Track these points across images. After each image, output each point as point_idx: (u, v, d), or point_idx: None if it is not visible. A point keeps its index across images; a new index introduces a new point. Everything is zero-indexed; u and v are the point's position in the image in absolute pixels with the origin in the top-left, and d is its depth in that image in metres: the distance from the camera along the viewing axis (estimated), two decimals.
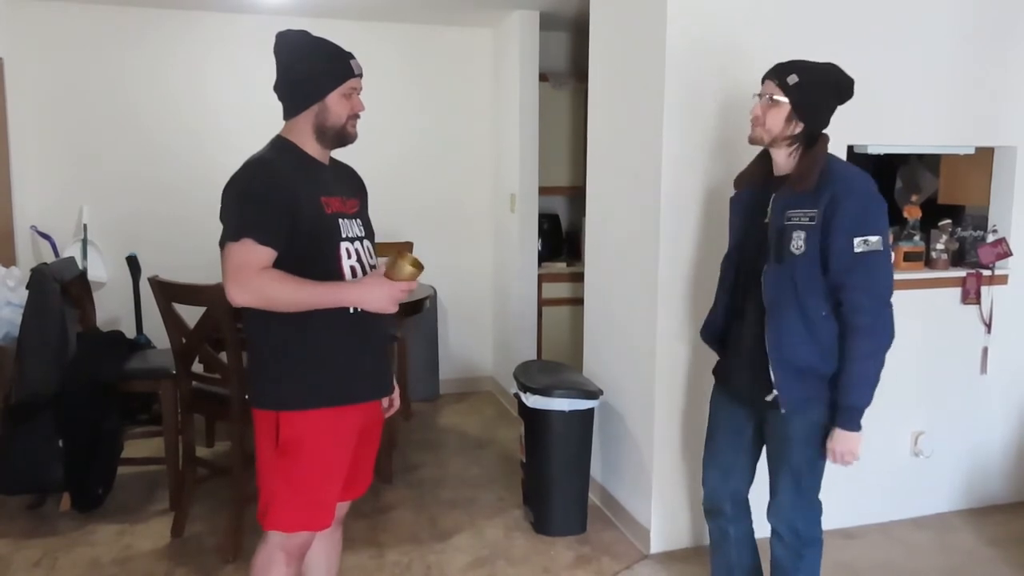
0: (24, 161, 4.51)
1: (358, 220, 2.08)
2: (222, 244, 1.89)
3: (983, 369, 3.47)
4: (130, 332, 4.41)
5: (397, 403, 2.27)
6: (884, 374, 3.23)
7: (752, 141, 2.24)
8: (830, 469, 3.31)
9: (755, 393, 2.24)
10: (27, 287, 3.37)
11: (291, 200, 1.89)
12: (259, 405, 2.01)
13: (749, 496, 2.46)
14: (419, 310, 3.94)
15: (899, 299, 3.25)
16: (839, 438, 2.15)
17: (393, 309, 1.95)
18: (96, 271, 4.57)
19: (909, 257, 3.37)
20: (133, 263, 4.58)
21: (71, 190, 4.61)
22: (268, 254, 1.86)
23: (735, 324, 2.34)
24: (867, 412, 3.25)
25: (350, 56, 2.00)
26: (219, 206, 1.93)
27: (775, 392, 2.17)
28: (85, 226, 4.58)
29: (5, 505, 3.48)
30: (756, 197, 2.28)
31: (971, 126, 3.34)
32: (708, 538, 2.59)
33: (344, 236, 1.99)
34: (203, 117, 4.72)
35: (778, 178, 2.23)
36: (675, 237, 3.01)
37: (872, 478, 3.36)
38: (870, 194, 2.11)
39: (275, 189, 1.88)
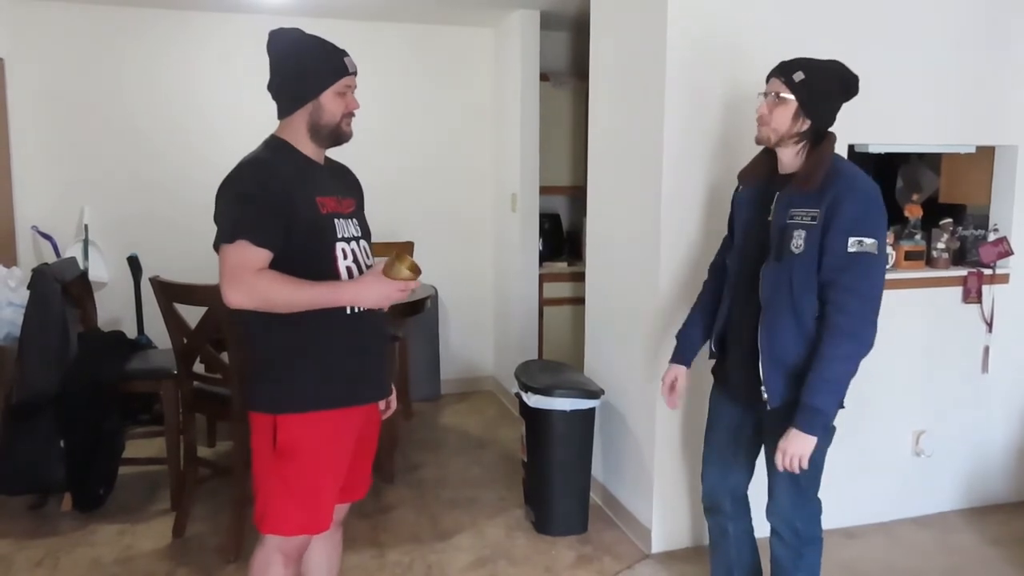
0: (25, 161, 4.51)
1: (354, 220, 2.06)
2: (217, 246, 1.87)
3: (984, 368, 3.47)
4: (131, 332, 4.42)
5: (394, 405, 2.26)
6: (886, 373, 3.27)
7: (759, 141, 2.23)
8: (832, 468, 3.32)
9: (751, 391, 2.24)
10: (28, 287, 3.38)
11: (286, 200, 1.88)
12: (256, 408, 1.99)
13: (748, 495, 2.46)
14: (420, 310, 3.94)
15: (900, 298, 3.29)
16: (792, 438, 2.08)
17: (387, 304, 1.94)
18: (97, 271, 4.57)
19: (910, 256, 3.36)
20: (134, 263, 4.58)
21: (72, 190, 4.61)
22: (264, 255, 1.84)
23: (732, 322, 2.33)
24: (867, 411, 3.29)
25: (344, 54, 1.99)
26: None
27: (763, 389, 2.17)
28: (86, 226, 4.59)
29: (7, 505, 3.49)
30: (760, 194, 2.27)
31: (972, 125, 3.34)
32: (708, 537, 2.59)
33: (340, 236, 1.98)
34: (205, 118, 4.72)
35: (782, 176, 2.22)
36: (676, 236, 3.01)
37: (873, 477, 3.36)
38: (871, 197, 2.09)
39: (270, 190, 1.87)
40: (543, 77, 4.90)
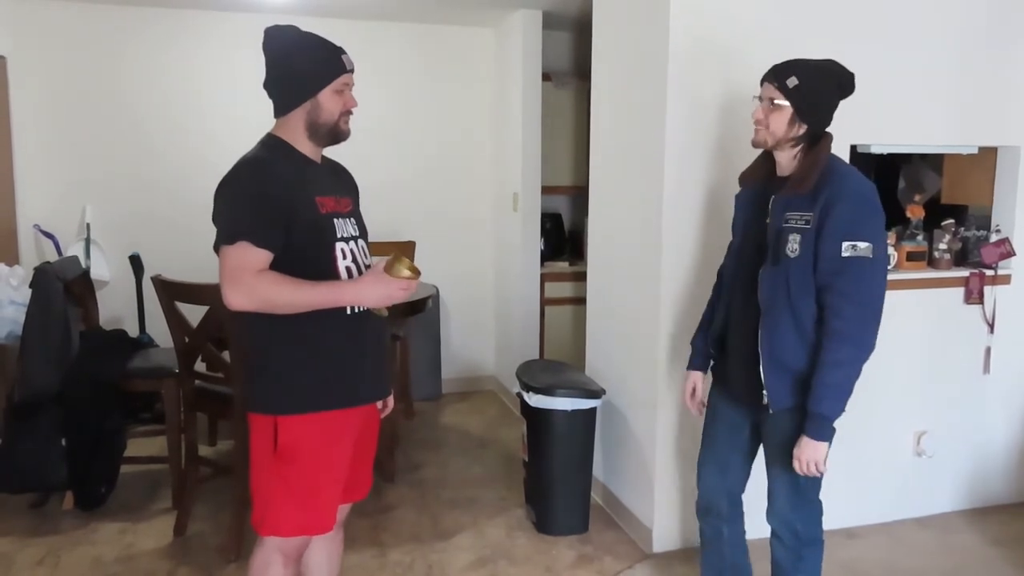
0: (27, 160, 4.52)
1: (352, 219, 2.05)
2: (217, 247, 1.86)
3: (986, 369, 3.46)
4: (133, 331, 4.42)
5: (391, 404, 2.24)
6: (887, 374, 3.27)
7: (756, 144, 2.22)
8: (833, 468, 3.30)
9: (751, 394, 2.24)
10: (30, 286, 3.38)
11: (286, 200, 1.86)
12: (256, 409, 1.98)
13: (743, 497, 2.46)
14: (421, 309, 3.94)
15: (902, 299, 3.29)
16: (805, 446, 2.09)
17: (389, 303, 1.93)
18: (99, 270, 4.57)
19: (912, 257, 3.36)
20: (136, 262, 4.58)
21: (74, 189, 4.61)
22: (264, 256, 1.83)
23: (731, 325, 2.33)
24: (869, 412, 3.29)
25: (341, 51, 1.97)
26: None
27: (764, 393, 2.17)
28: (88, 225, 4.59)
29: (8, 503, 3.49)
30: (759, 196, 2.27)
31: (974, 126, 3.33)
32: (702, 541, 2.55)
33: (339, 236, 1.97)
34: (206, 116, 4.73)
35: (781, 178, 2.22)
36: (677, 236, 3.00)
37: (875, 478, 3.36)
38: (866, 199, 2.07)
39: (269, 189, 1.85)
40: (545, 77, 4.90)
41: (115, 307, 4.63)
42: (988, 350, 3.45)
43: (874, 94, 3.15)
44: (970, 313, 3.42)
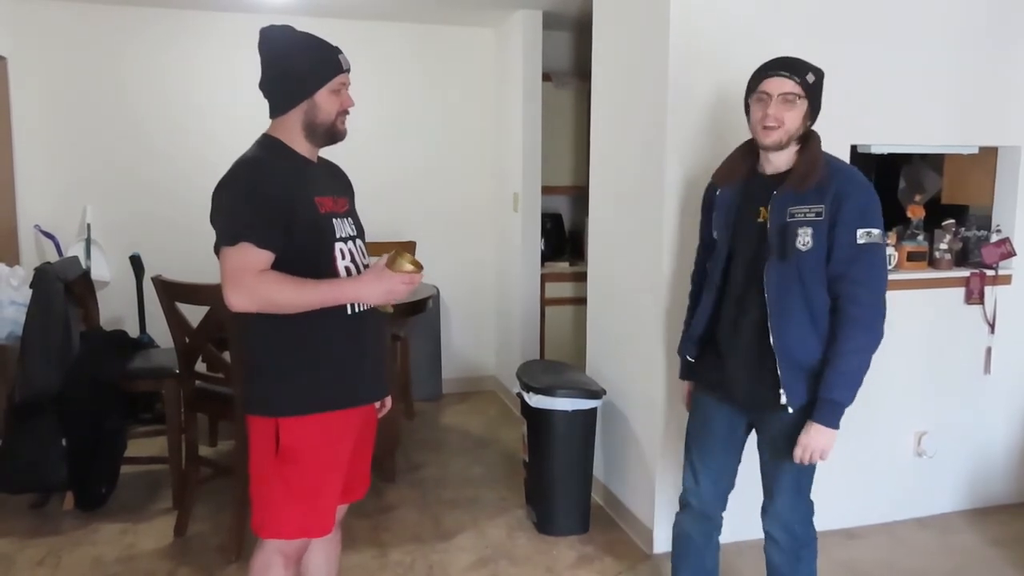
0: (28, 160, 4.52)
1: (349, 219, 2.05)
2: (217, 249, 1.85)
3: (987, 369, 3.46)
4: (133, 331, 4.42)
5: (389, 404, 2.23)
6: (888, 374, 3.27)
7: (771, 146, 2.12)
8: (834, 468, 3.31)
9: (756, 394, 2.20)
10: (31, 286, 3.38)
11: (285, 201, 1.86)
12: (256, 411, 1.97)
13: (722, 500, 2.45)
14: (422, 309, 3.94)
15: (903, 299, 3.29)
16: (815, 433, 2.09)
17: (391, 299, 1.91)
18: (99, 270, 4.58)
19: (913, 257, 3.36)
20: (136, 262, 4.58)
21: (75, 189, 4.62)
22: (266, 257, 1.83)
23: (726, 325, 2.26)
24: (869, 412, 3.29)
25: (338, 51, 1.96)
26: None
27: (782, 392, 2.12)
28: (88, 225, 4.59)
29: (9, 504, 3.49)
30: (742, 195, 2.23)
31: (975, 126, 3.33)
32: (680, 544, 2.50)
33: (338, 236, 1.97)
34: (207, 117, 4.73)
35: (767, 176, 2.19)
36: (678, 236, 3.00)
37: (875, 478, 3.36)
38: (870, 189, 2.12)
39: (269, 190, 1.84)
40: (545, 77, 4.90)
41: (116, 307, 4.63)
42: (989, 350, 3.45)
43: (874, 94, 3.16)
44: (971, 313, 3.42)
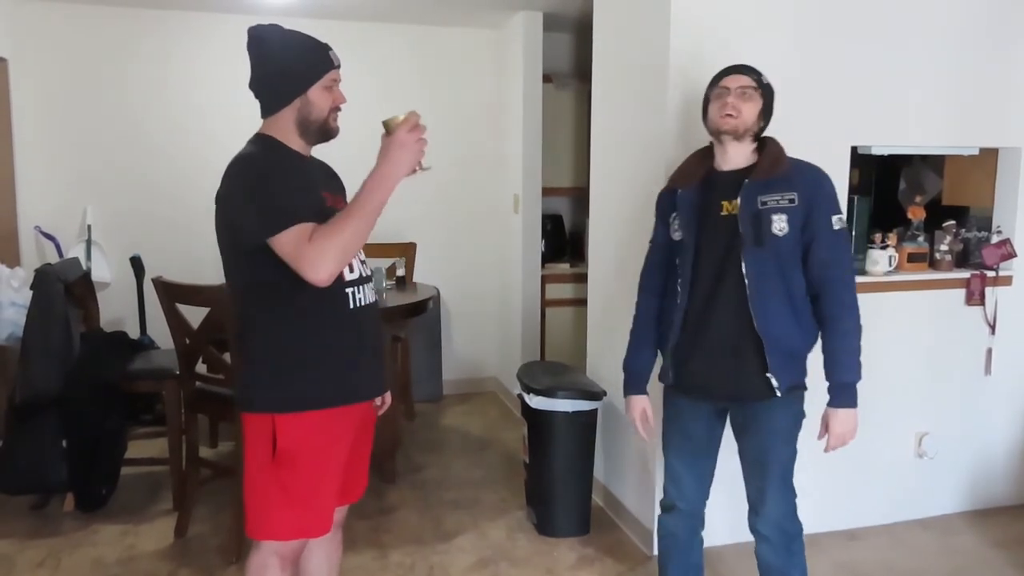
0: (28, 162, 4.53)
1: None
2: (257, 245, 1.80)
3: (987, 370, 3.46)
4: (134, 333, 4.42)
5: (388, 400, 2.22)
6: (889, 375, 3.29)
7: (727, 131, 2.21)
8: (834, 468, 3.31)
9: (741, 385, 2.21)
10: (31, 287, 3.39)
11: (297, 188, 1.86)
12: (253, 409, 1.94)
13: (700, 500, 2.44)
14: (422, 311, 3.94)
15: (903, 300, 3.30)
16: (842, 418, 2.19)
17: (421, 156, 1.86)
18: (100, 272, 4.58)
19: (913, 258, 3.36)
20: (137, 264, 4.59)
21: (75, 191, 4.62)
22: (312, 226, 1.80)
23: (697, 321, 2.24)
24: (870, 413, 3.29)
25: (328, 48, 1.96)
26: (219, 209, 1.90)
27: (771, 376, 2.15)
28: (89, 227, 4.59)
29: (9, 505, 3.49)
30: (702, 193, 2.27)
31: (975, 127, 3.33)
32: (663, 546, 2.50)
33: None
34: (207, 118, 4.73)
35: (727, 172, 2.25)
36: None
37: (876, 479, 3.36)
38: (831, 180, 2.24)
39: (282, 175, 1.85)
40: (546, 79, 4.90)
41: (116, 309, 4.63)
42: (989, 351, 3.45)
43: (874, 95, 3.16)
44: (971, 314, 3.42)
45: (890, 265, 3.28)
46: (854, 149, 3.18)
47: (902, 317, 3.31)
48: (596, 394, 3.27)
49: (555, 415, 3.22)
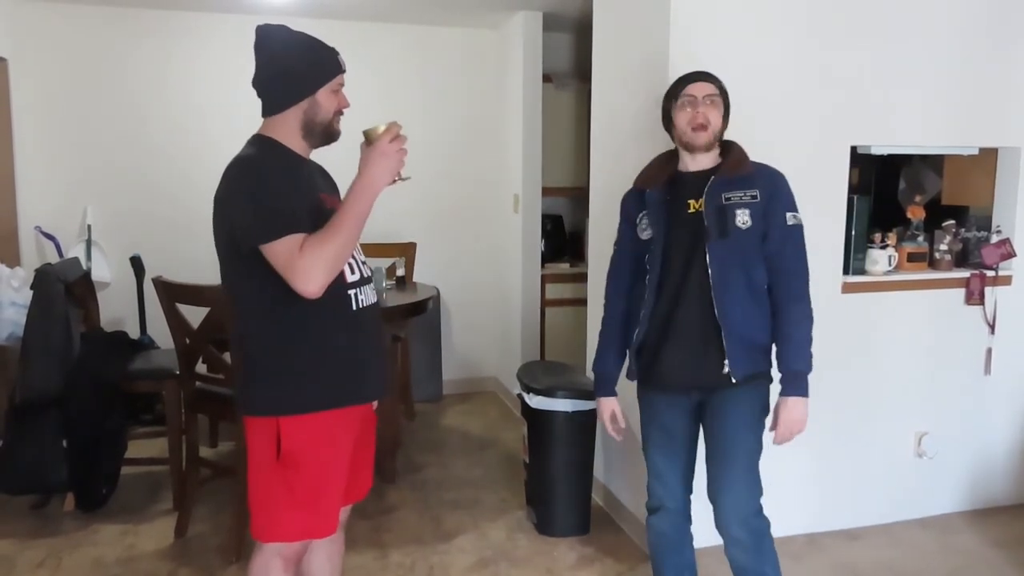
0: (28, 162, 4.53)
1: None
2: (252, 248, 1.81)
3: (987, 370, 3.46)
4: (134, 332, 4.42)
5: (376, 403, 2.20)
6: (888, 374, 3.29)
7: (702, 146, 2.27)
8: (834, 468, 3.31)
9: (702, 371, 2.24)
10: (31, 287, 3.39)
11: (296, 191, 1.86)
12: (256, 412, 1.94)
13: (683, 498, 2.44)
14: (422, 311, 3.94)
15: (903, 299, 3.29)
16: (792, 407, 2.24)
17: (400, 166, 1.89)
18: (100, 271, 4.58)
19: (913, 258, 3.36)
20: (137, 263, 4.59)
21: (75, 191, 4.62)
22: (303, 239, 1.81)
23: (664, 313, 2.27)
24: (870, 412, 3.29)
25: (336, 52, 1.97)
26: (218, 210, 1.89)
27: (726, 362, 2.19)
28: (89, 227, 4.60)
29: (9, 505, 3.49)
30: (669, 193, 2.32)
31: (975, 127, 3.33)
32: (655, 545, 2.50)
33: None
34: (207, 118, 4.73)
35: (693, 173, 2.31)
36: None
37: (875, 478, 3.36)
38: (788, 181, 2.34)
39: (281, 180, 1.85)
40: (546, 79, 4.90)
41: (116, 308, 4.63)
42: (989, 351, 3.45)
43: (874, 95, 3.16)
44: (971, 314, 3.42)
45: (890, 265, 3.29)
46: (854, 149, 3.19)
47: (902, 317, 3.31)
48: None
49: (555, 415, 3.22)
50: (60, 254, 4.46)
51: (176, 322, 3.10)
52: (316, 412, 1.93)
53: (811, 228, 3.10)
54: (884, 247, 3.29)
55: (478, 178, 5.30)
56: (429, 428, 4.73)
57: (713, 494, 2.30)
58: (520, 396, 3.34)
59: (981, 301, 3.40)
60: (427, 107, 5.14)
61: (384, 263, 4.28)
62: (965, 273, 3.39)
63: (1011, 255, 3.37)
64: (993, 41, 3.30)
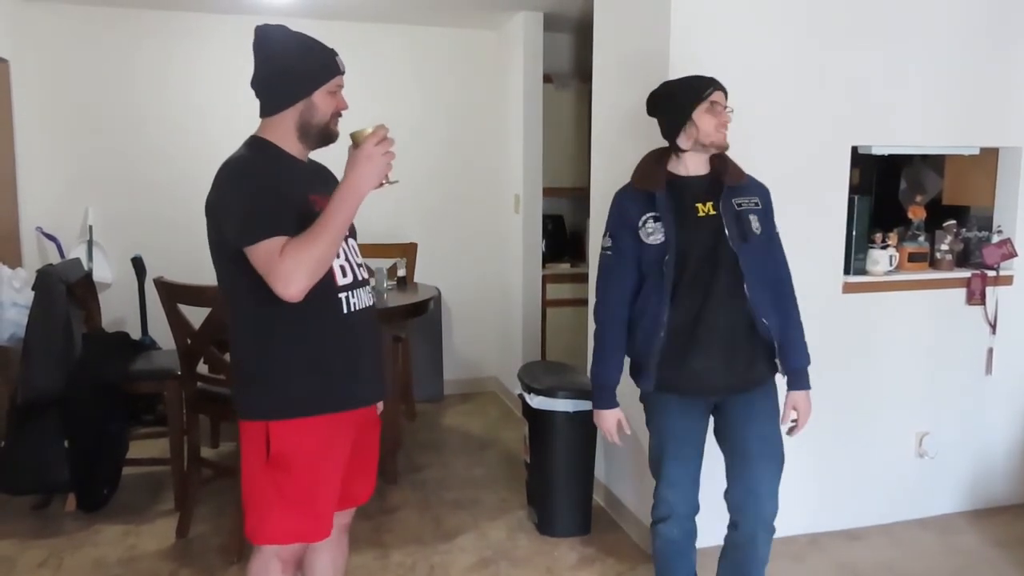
0: (30, 162, 4.53)
1: None
2: (237, 250, 1.80)
3: (988, 370, 3.46)
4: (135, 333, 4.42)
5: (381, 405, 2.19)
6: (889, 374, 3.29)
7: (725, 147, 2.32)
8: (835, 468, 3.31)
9: (737, 376, 2.26)
10: (33, 288, 3.39)
11: (284, 196, 1.84)
12: (247, 416, 1.94)
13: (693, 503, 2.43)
14: (423, 311, 3.94)
15: (904, 299, 3.30)
16: (806, 399, 2.37)
17: (387, 169, 1.86)
18: (101, 272, 4.59)
19: (914, 258, 3.36)
20: (138, 264, 4.59)
21: (76, 191, 4.63)
22: (284, 242, 1.79)
23: (688, 317, 2.23)
24: (871, 413, 3.30)
25: (334, 53, 1.96)
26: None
27: (778, 361, 2.30)
28: (90, 227, 4.60)
29: (11, 505, 3.50)
30: (675, 197, 2.29)
31: (976, 127, 3.33)
32: (673, 552, 2.46)
33: None
34: (207, 119, 4.73)
35: (692, 177, 2.31)
36: None
37: (876, 478, 3.36)
38: None
39: (268, 183, 1.84)
40: (546, 79, 4.90)
41: (117, 309, 4.64)
42: (990, 351, 3.45)
43: (874, 95, 3.16)
44: (972, 314, 3.42)
45: (890, 265, 3.29)
46: (854, 149, 3.18)
47: (902, 317, 3.31)
48: None
49: (556, 415, 3.22)
50: (61, 255, 4.46)
51: (177, 323, 3.11)
52: (305, 417, 1.91)
53: (812, 228, 3.13)
54: (885, 247, 3.29)
55: (479, 178, 5.31)
56: (430, 428, 4.73)
57: (742, 495, 2.30)
58: (521, 396, 3.34)
59: (982, 301, 3.40)
60: (428, 108, 5.14)
61: (385, 263, 4.28)
62: (966, 273, 3.39)
63: (1012, 255, 3.37)
64: (993, 41, 3.30)
